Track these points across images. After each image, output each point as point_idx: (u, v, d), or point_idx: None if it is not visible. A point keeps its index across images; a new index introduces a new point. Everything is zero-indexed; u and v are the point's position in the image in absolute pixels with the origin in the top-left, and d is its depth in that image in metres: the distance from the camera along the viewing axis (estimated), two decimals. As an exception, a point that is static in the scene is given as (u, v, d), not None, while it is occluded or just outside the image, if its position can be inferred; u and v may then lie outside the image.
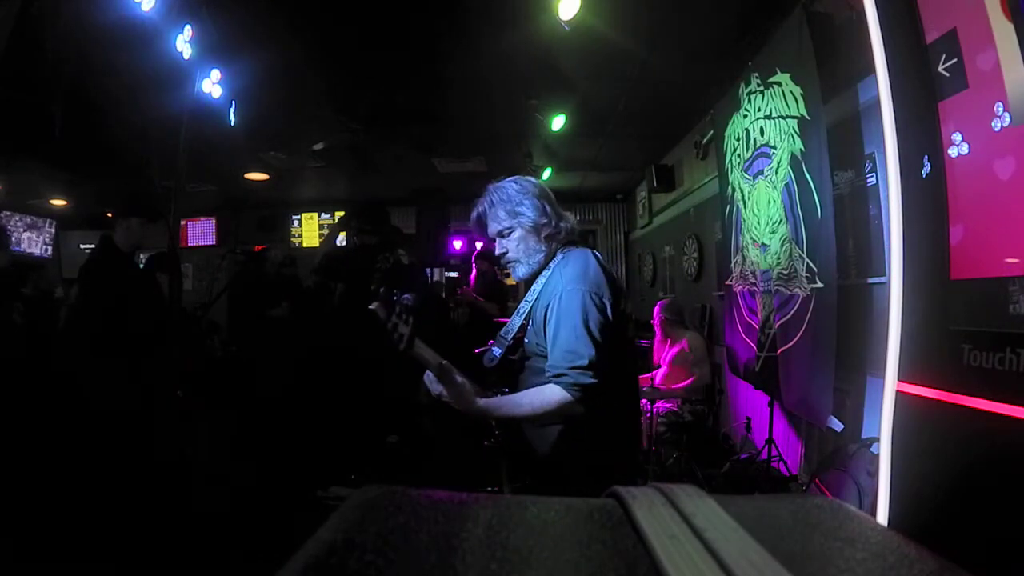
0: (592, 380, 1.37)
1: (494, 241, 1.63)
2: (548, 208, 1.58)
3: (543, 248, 1.57)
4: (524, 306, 1.58)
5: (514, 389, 1.56)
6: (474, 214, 1.63)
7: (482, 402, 1.44)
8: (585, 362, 1.37)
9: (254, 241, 6.92)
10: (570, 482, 1.42)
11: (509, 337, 1.58)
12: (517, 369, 1.59)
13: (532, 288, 1.58)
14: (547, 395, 1.39)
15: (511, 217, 1.56)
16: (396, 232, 4.04)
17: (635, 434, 1.72)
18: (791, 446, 3.31)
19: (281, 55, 3.30)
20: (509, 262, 1.60)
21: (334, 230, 7.76)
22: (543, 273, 1.58)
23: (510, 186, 1.59)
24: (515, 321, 1.59)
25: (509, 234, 1.57)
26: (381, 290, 1.34)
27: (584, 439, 1.47)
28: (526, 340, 1.56)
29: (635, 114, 4.44)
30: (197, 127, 3.08)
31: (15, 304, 3.74)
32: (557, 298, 1.45)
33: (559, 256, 1.58)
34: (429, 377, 1.39)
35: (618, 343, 1.47)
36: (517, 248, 1.57)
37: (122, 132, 3.99)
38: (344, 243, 6.58)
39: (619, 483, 0.46)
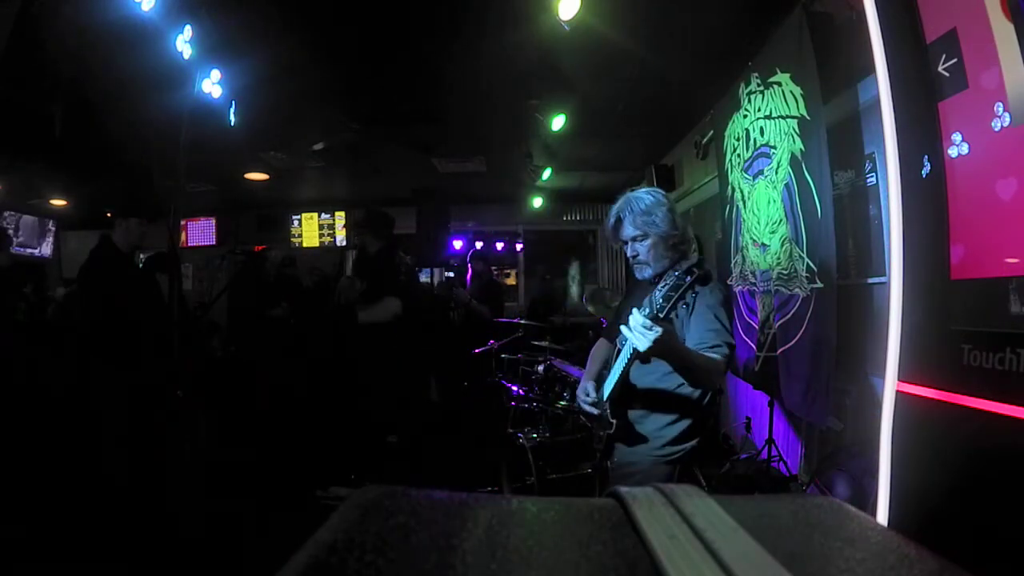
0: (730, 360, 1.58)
1: (625, 243, 1.76)
2: (678, 219, 1.73)
3: (669, 256, 1.72)
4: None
5: (637, 382, 1.74)
6: (611, 219, 1.76)
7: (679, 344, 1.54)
8: (734, 343, 1.59)
9: (254, 241, 6.92)
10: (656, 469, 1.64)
11: None
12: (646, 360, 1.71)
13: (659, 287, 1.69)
14: (711, 356, 1.53)
15: (647, 225, 1.70)
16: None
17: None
18: (791, 446, 3.31)
19: (281, 55, 3.30)
20: (639, 264, 1.75)
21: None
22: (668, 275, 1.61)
23: (647, 196, 1.73)
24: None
25: (643, 240, 1.72)
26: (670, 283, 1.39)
27: (686, 430, 1.68)
28: None
29: (635, 114, 4.43)
30: (197, 127, 3.07)
31: (18, 304, 3.74)
32: (711, 305, 1.62)
33: (690, 278, 1.53)
34: (640, 326, 1.36)
35: None
36: (648, 253, 1.72)
37: (122, 132, 3.99)
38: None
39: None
